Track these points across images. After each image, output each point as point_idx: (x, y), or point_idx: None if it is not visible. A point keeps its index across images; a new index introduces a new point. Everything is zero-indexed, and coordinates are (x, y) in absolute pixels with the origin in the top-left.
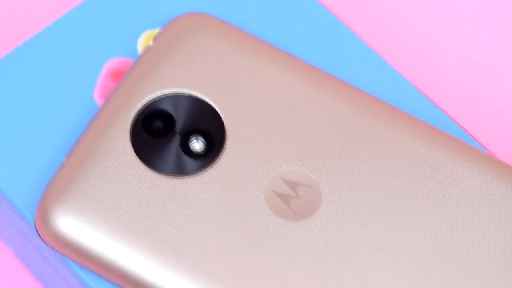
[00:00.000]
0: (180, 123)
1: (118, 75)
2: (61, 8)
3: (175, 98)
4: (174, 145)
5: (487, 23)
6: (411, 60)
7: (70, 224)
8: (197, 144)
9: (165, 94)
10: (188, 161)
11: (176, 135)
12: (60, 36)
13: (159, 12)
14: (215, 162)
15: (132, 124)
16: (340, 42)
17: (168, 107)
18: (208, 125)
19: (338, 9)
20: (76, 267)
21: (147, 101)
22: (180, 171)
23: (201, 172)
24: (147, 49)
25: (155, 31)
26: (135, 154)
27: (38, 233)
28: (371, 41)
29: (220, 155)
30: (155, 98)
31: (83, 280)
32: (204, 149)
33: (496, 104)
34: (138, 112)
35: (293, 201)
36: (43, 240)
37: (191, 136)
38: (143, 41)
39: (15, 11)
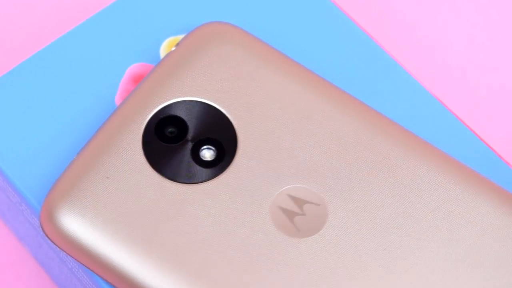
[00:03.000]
0: (192, 130)
1: (140, 80)
2: (86, 12)
3: (190, 105)
4: (185, 152)
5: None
6: (413, 57)
7: (73, 222)
8: (207, 153)
9: (180, 101)
10: (197, 169)
11: (187, 142)
12: (84, 39)
13: (184, 20)
14: (224, 172)
15: (144, 128)
16: (358, 48)
17: (182, 114)
18: (220, 135)
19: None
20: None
21: (161, 107)
22: (188, 178)
23: (209, 181)
24: (168, 55)
25: (179, 37)
26: (145, 158)
27: (43, 230)
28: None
29: (230, 165)
30: (170, 104)
31: (98, 282)
32: (214, 159)
33: (498, 101)
34: (151, 117)
35: (298, 218)
36: (48, 237)
37: (202, 145)
38: (166, 47)
39: (41, 13)
